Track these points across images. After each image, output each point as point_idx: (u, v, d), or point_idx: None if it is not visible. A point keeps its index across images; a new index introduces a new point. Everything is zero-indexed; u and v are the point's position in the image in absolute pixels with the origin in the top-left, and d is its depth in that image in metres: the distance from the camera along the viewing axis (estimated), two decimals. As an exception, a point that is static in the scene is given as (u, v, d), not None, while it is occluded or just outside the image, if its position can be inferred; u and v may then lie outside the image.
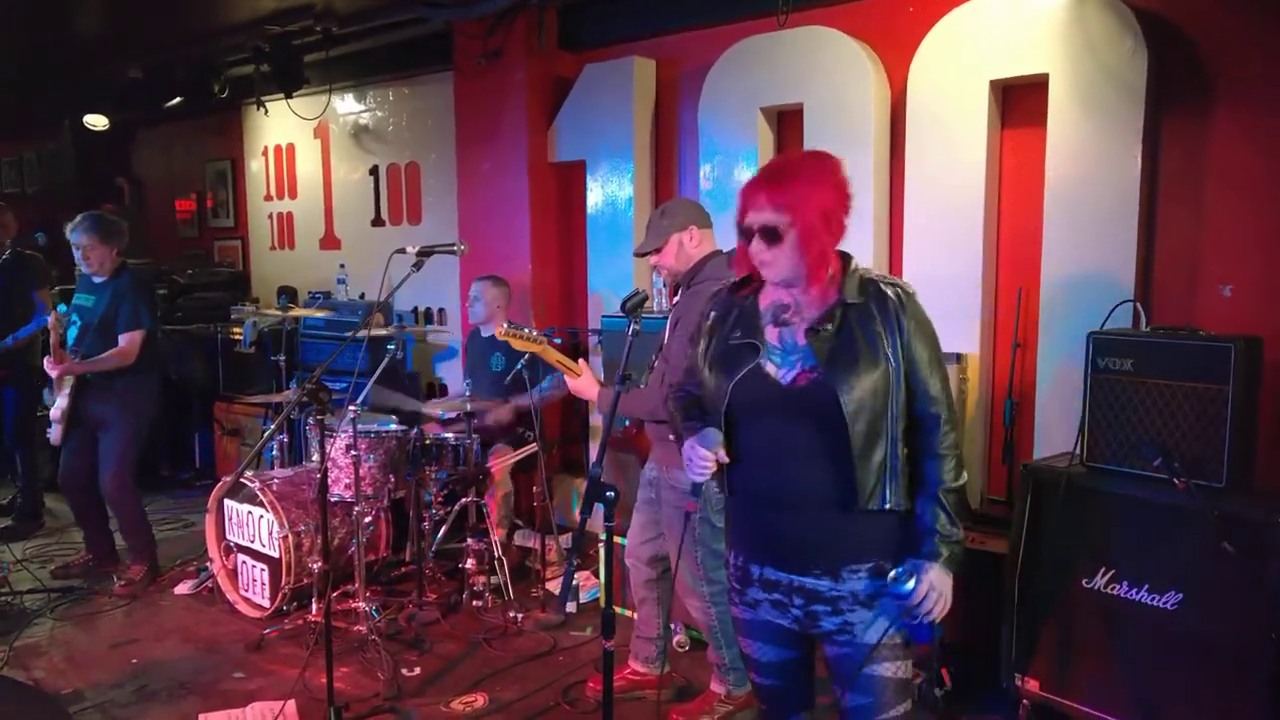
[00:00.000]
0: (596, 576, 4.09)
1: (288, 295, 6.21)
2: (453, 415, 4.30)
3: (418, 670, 3.46)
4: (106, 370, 4.14)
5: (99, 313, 4.16)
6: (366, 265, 6.05)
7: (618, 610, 3.48)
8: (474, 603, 3.97)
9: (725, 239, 3.06)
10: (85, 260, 4.17)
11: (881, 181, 3.89)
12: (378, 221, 6.20)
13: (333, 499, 3.81)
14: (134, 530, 4.37)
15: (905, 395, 1.82)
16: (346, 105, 6.31)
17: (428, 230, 5.90)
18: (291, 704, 3.10)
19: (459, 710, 3.17)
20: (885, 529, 1.83)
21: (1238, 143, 3.17)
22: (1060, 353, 3.38)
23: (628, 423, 3.01)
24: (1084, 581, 2.74)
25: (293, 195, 6.85)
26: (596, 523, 3.17)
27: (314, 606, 3.76)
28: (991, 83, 3.53)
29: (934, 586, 1.77)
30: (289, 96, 5.83)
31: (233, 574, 4.10)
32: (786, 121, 4.27)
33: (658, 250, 2.94)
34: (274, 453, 4.62)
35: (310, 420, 4.16)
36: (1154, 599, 2.60)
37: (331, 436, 3.78)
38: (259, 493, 3.84)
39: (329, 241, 6.60)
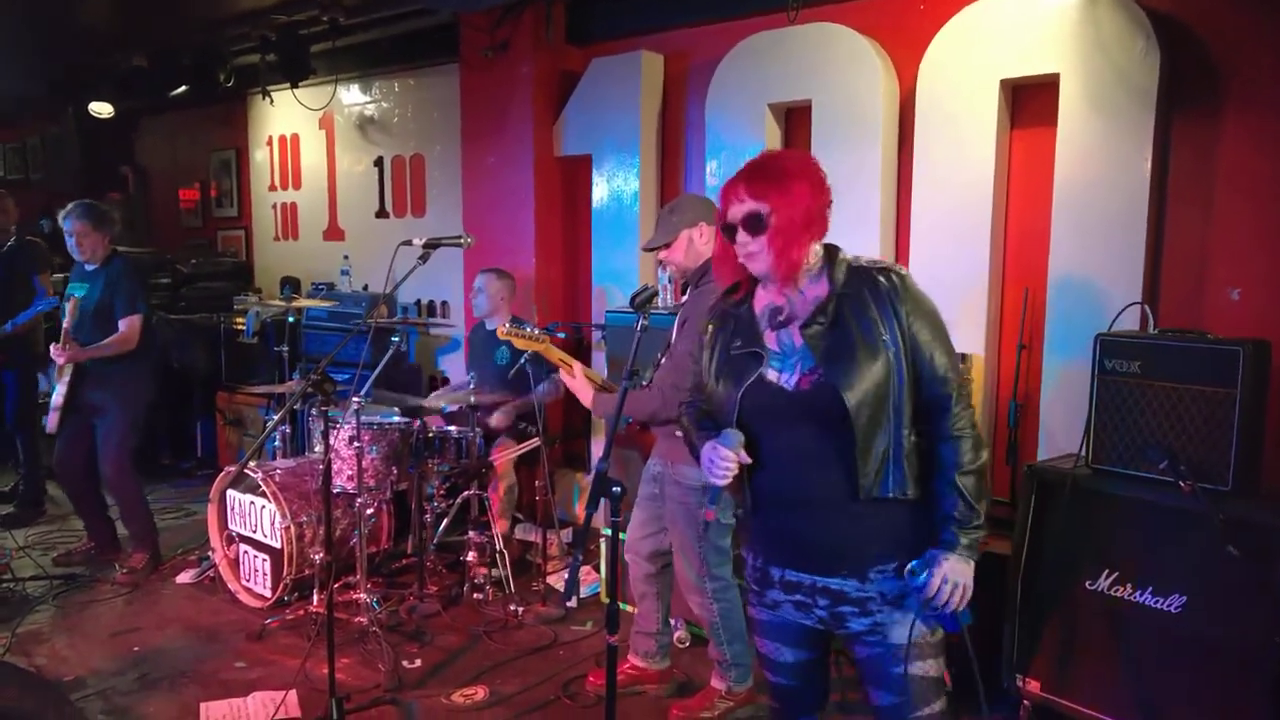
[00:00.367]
0: (597, 571, 4.10)
1: (291, 286, 6.21)
2: (455, 408, 4.30)
3: (418, 662, 3.46)
4: (106, 356, 4.15)
5: (94, 300, 4.18)
6: (370, 257, 6.04)
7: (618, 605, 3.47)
8: (475, 596, 3.97)
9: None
10: (78, 247, 4.20)
11: (889, 180, 3.88)
12: (382, 213, 6.19)
13: (335, 490, 3.81)
14: (135, 517, 4.37)
15: (911, 379, 1.79)
16: (352, 96, 6.29)
17: (432, 223, 5.89)
18: (293, 694, 3.11)
19: (459, 702, 3.17)
20: (901, 521, 1.80)
21: (1248, 146, 3.16)
22: (1066, 354, 3.37)
23: (630, 419, 3.01)
24: (1087, 583, 2.74)
25: (297, 186, 6.84)
26: (599, 517, 3.18)
27: (315, 597, 3.76)
28: (1002, 82, 3.52)
29: (948, 577, 1.74)
30: (295, 86, 5.82)
31: (234, 564, 4.10)
32: (794, 118, 4.26)
33: (667, 246, 2.93)
34: (276, 443, 4.62)
35: (313, 411, 4.16)
36: (1158, 602, 2.60)
37: (335, 428, 3.78)
38: (261, 483, 3.84)
39: (333, 232, 6.59)
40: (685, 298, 3.00)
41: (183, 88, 6.25)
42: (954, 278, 3.58)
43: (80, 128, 7.08)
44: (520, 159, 5.02)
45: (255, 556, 3.98)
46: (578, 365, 3.07)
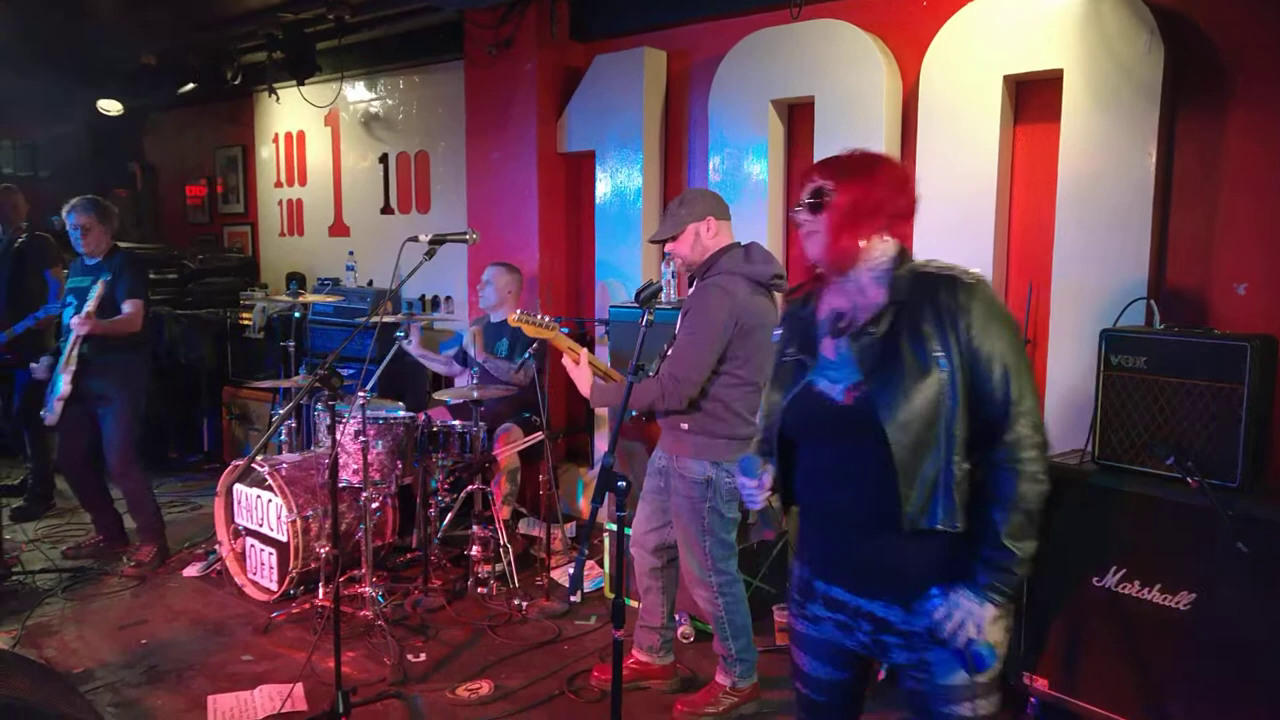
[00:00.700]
0: (600, 566, 4.10)
1: (297, 281, 6.23)
2: (459, 402, 4.31)
3: (423, 656, 3.47)
4: (111, 338, 4.18)
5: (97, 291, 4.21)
6: (375, 252, 6.06)
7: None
8: (479, 590, 3.98)
9: (742, 232, 3.07)
10: (83, 240, 4.29)
11: (894, 175, 3.87)
12: (387, 209, 6.21)
13: (341, 484, 3.82)
14: (142, 510, 4.41)
15: (967, 400, 1.62)
16: (357, 93, 6.31)
17: (436, 218, 5.91)
18: (299, 687, 3.13)
19: (464, 697, 3.18)
20: (952, 551, 1.66)
21: (1253, 140, 3.15)
22: (1071, 349, 3.37)
23: (634, 412, 3.01)
24: (1094, 580, 2.73)
25: (302, 182, 6.86)
26: (602, 512, 3.18)
27: (320, 591, 3.77)
28: (1005, 78, 3.51)
29: (953, 613, 1.62)
30: (301, 84, 5.84)
31: (241, 557, 4.12)
32: (798, 114, 4.26)
33: (673, 239, 2.93)
34: (282, 438, 4.63)
35: (319, 406, 4.18)
36: (1166, 598, 2.59)
37: (341, 422, 3.79)
38: (268, 477, 3.85)
39: (338, 228, 6.61)
40: (691, 289, 3.00)
41: (191, 85, 6.28)
42: (958, 273, 3.57)
43: (89, 124, 7.10)
44: (524, 155, 5.03)
45: (261, 550, 4.00)
46: (584, 353, 3.08)
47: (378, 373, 4.01)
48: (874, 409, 1.61)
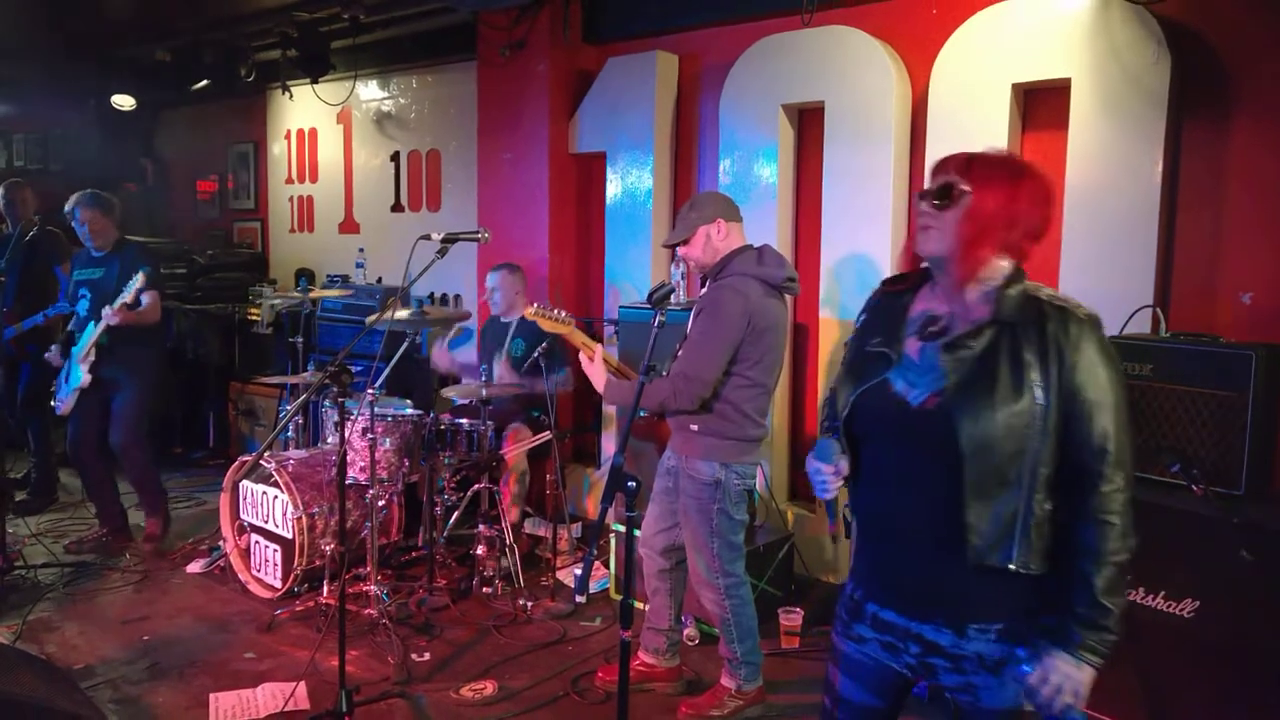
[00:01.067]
0: (606, 567, 4.11)
1: (306, 278, 6.25)
2: (466, 401, 4.32)
3: (427, 655, 3.47)
4: (131, 329, 4.21)
5: (111, 282, 4.26)
6: (385, 250, 6.08)
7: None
8: (484, 589, 3.99)
9: (752, 235, 3.08)
10: (91, 234, 4.36)
11: (901, 181, 3.89)
12: (397, 207, 6.24)
13: (348, 482, 3.83)
14: (146, 486, 4.47)
15: (1058, 439, 1.55)
16: (370, 92, 6.33)
17: (446, 217, 5.93)
18: (302, 686, 3.12)
19: (468, 697, 3.18)
20: (1018, 589, 1.59)
21: (1259, 150, 3.16)
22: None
23: (644, 411, 3.02)
24: (1097, 586, 2.73)
25: (313, 179, 6.89)
26: (609, 512, 3.18)
27: (325, 588, 3.78)
28: (1014, 86, 3.53)
29: (1050, 679, 1.53)
30: (315, 82, 5.86)
31: (245, 554, 4.13)
32: (807, 119, 4.28)
33: (685, 242, 2.95)
34: (289, 434, 4.65)
35: (328, 403, 4.19)
36: (1170, 606, 2.59)
37: (349, 419, 3.80)
38: (274, 473, 3.87)
39: (348, 225, 6.64)
40: (704, 290, 3.02)
41: (204, 82, 6.30)
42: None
43: (100, 119, 7.13)
44: (535, 155, 5.05)
45: (266, 546, 4.01)
46: (599, 349, 3.10)
47: (386, 371, 4.02)
48: (953, 420, 1.54)
